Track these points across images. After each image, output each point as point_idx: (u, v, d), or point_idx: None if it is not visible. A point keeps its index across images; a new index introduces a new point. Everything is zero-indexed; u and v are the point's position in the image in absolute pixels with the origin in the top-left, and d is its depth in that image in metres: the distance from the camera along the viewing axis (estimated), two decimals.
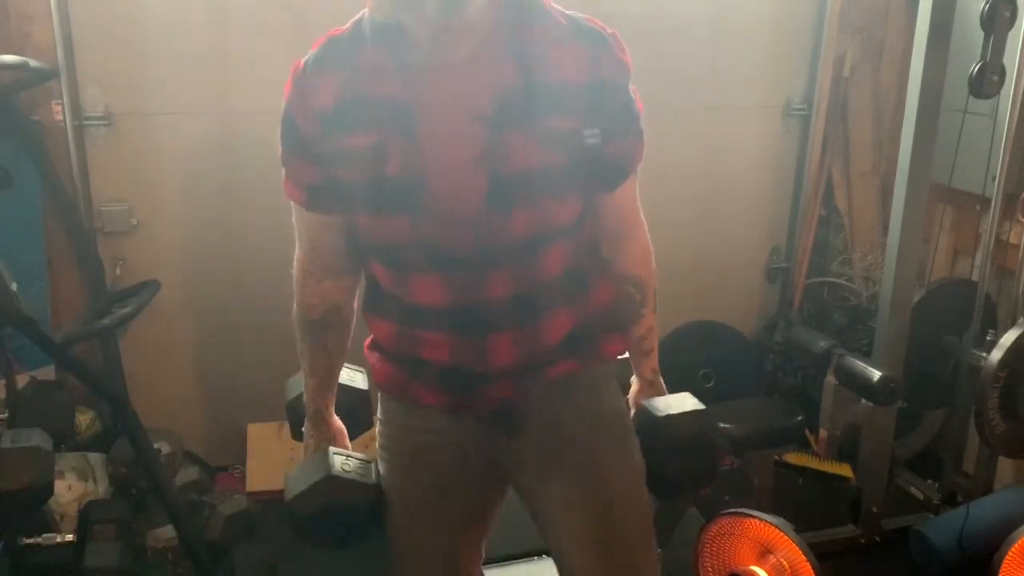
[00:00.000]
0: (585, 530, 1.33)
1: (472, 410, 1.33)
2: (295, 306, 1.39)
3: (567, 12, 1.21)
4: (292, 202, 1.30)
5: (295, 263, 1.37)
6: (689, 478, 1.45)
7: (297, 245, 1.35)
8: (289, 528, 1.37)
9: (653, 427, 1.39)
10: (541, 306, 1.27)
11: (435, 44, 1.13)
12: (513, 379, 1.30)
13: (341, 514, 1.33)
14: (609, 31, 1.22)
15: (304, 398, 1.44)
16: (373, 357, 1.41)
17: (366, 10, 1.19)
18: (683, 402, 1.44)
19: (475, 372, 1.28)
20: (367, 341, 1.43)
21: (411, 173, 1.16)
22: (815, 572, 1.96)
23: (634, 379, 1.50)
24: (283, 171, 1.29)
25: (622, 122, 1.24)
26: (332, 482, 1.31)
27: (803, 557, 1.97)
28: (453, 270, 1.21)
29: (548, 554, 1.88)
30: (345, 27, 1.22)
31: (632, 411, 1.48)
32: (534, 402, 1.33)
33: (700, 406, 1.44)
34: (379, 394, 1.45)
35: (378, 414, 1.45)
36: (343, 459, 1.35)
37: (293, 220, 1.33)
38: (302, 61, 1.22)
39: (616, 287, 1.38)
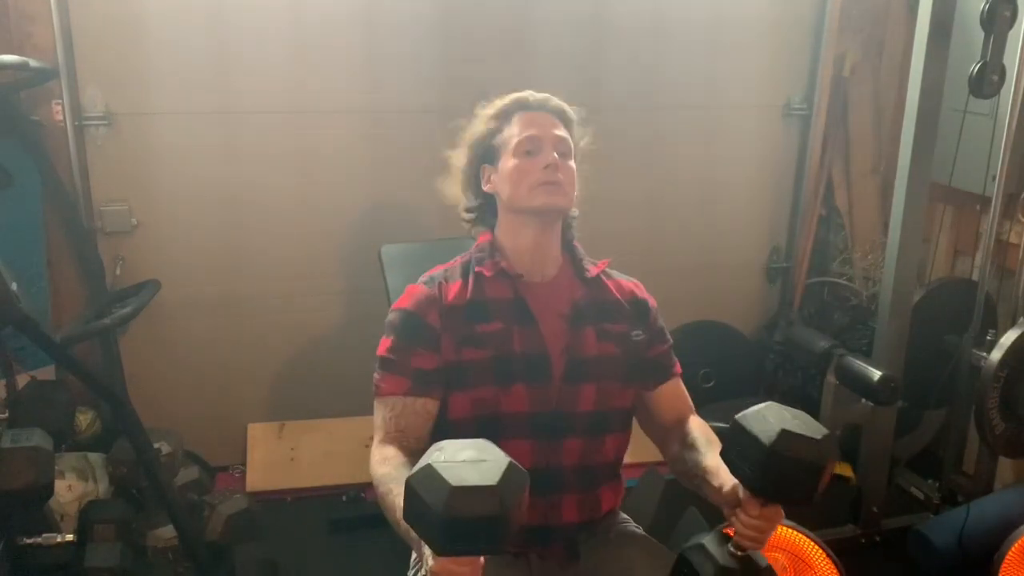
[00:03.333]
0: None
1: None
2: (376, 485, 1.40)
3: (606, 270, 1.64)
4: (385, 396, 1.48)
5: (373, 455, 1.45)
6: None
7: (378, 438, 1.47)
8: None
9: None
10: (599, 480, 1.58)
11: (533, 270, 1.57)
12: (577, 533, 1.57)
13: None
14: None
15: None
16: None
17: (466, 256, 1.59)
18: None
19: (549, 526, 1.53)
20: None
21: (533, 349, 1.51)
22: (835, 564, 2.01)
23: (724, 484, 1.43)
24: (381, 374, 1.49)
25: (658, 336, 1.63)
26: None
27: (822, 552, 2.01)
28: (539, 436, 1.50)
29: None
30: (451, 264, 1.59)
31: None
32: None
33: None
34: None
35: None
36: None
37: (377, 419, 1.49)
38: (420, 283, 1.55)
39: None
